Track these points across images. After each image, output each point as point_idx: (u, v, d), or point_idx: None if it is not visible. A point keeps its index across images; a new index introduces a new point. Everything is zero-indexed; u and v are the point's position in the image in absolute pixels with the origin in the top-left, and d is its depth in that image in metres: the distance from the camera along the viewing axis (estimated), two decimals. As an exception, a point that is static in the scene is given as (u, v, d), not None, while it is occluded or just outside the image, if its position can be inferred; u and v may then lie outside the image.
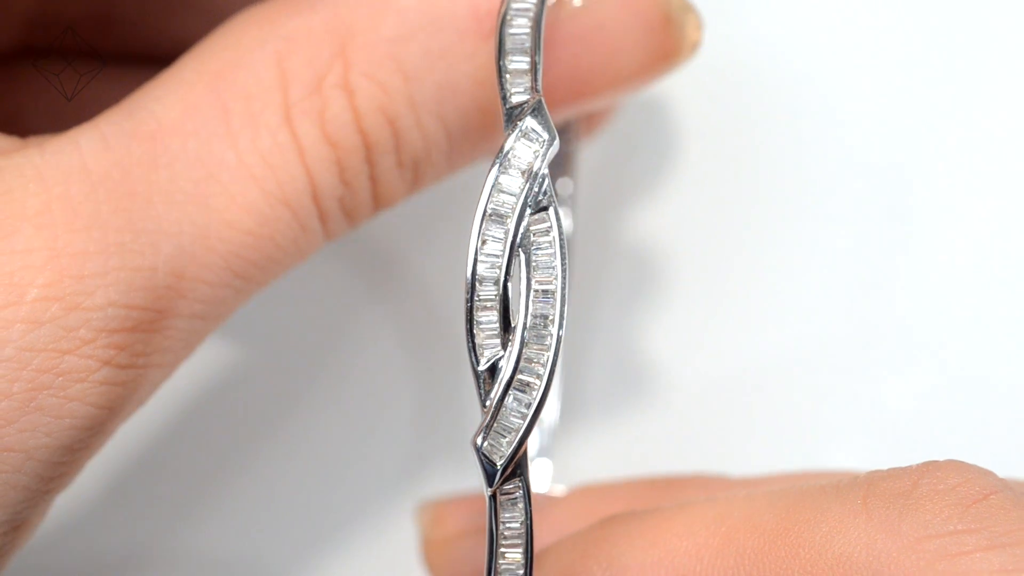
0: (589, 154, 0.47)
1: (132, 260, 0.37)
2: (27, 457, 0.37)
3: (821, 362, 0.49)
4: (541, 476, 0.45)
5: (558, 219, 0.35)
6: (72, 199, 0.37)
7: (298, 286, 0.49)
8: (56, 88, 0.44)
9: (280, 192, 0.39)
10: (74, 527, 0.49)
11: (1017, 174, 0.48)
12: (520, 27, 0.36)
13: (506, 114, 0.35)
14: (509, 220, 0.35)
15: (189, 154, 0.38)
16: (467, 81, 0.39)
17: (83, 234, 0.37)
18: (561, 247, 0.34)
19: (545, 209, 0.35)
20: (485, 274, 0.34)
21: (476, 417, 0.35)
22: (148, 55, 0.45)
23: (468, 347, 0.34)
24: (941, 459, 0.36)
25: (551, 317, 0.34)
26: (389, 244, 0.50)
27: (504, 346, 0.34)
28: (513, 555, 0.34)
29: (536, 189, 0.35)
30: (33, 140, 0.38)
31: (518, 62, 0.36)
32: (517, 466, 0.34)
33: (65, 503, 0.48)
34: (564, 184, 0.44)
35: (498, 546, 0.34)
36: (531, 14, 0.36)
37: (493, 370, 0.34)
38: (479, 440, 0.34)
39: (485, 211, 0.34)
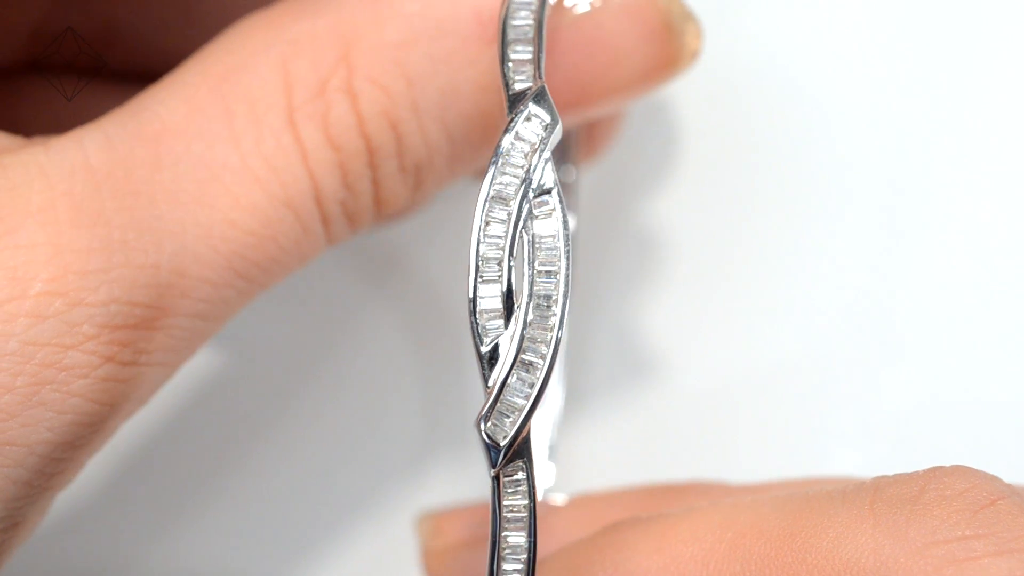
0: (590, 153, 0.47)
1: (135, 257, 0.37)
2: (29, 452, 0.37)
3: (822, 363, 0.49)
4: (544, 475, 0.45)
5: (561, 201, 0.35)
6: (76, 196, 0.37)
7: (300, 283, 0.49)
8: (56, 89, 0.45)
9: (283, 194, 0.39)
10: (70, 527, 0.49)
11: (1018, 176, 0.49)
12: (523, 19, 0.36)
13: (509, 101, 0.36)
14: (512, 202, 0.35)
15: (192, 155, 0.38)
16: (470, 86, 0.39)
17: (87, 231, 0.37)
18: (564, 228, 0.35)
19: (548, 191, 0.35)
20: (488, 254, 0.34)
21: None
22: (151, 70, 0.45)
23: (471, 328, 0.34)
24: (947, 464, 0.36)
25: (554, 297, 0.34)
26: (389, 242, 0.50)
27: (507, 327, 0.34)
28: (516, 539, 0.34)
29: (539, 171, 0.35)
30: (38, 139, 0.39)
31: (521, 52, 0.36)
32: (521, 447, 0.34)
33: (62, 503, 0.48)
34: (567, 171, 0.44)
35: (501, 529, 0.34)
36: (533, 7, 0.36)
37: (496, 352, 0.34)
38: (482, 421, 0.34)
39: (489, 192, 0.35)
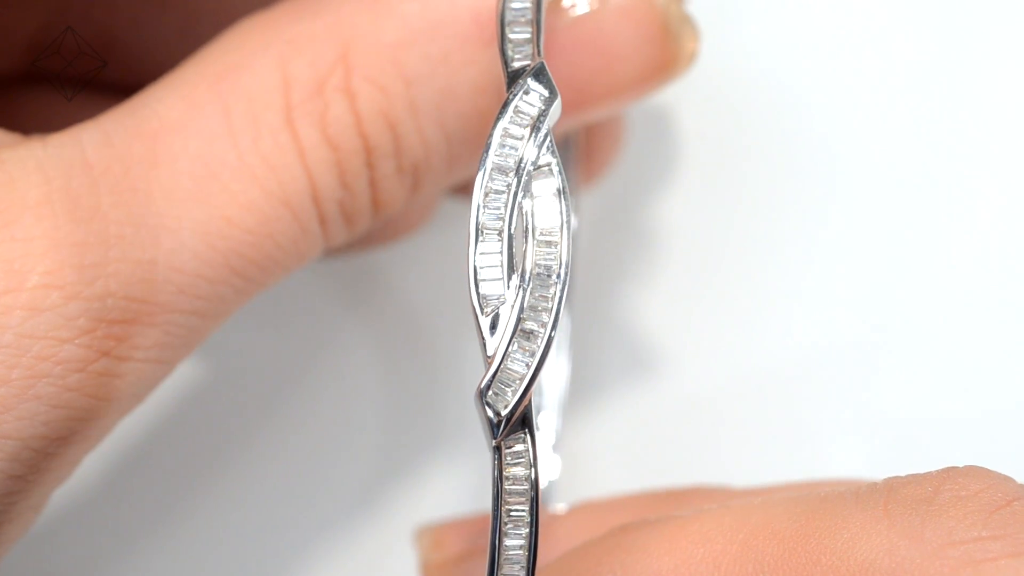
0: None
1: (132, 252, 0.37)
2: (23, 446, 0.37)
3: (823, 364, 0.49)
4: (549, 468, 0.45)
5: (561, 173, 0.35)
6: (73, 191, 0.37)
7: (300, 286, 0.49)
8: (56, 89, 0.45)
9: (281, 192, 0.39)
10: (66, 525, 0.49)
11: (1015, 182, 0.49)
12: (521, 3, 0.36)
13: (508, 77, 0.36)
14: (512, 173, 0.35)
15: (190, 152, 0.38)
16: (468, 87, 0.39)
17: (84, 225, 0.37)
18: (564, 200, 0.34)
19: (548, 164, 0.35)
20: (488, 224, 0.34)
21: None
22: (150, 81, 0.45)
23: (472, 297, 0.34)
24: (954, 465, 0.36)
25: (554, 267, 0.34)
26: (369, 255, 0.50)
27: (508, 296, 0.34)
28: (519, 511, 0.34)
29: (539, 144, 0.35)
30: (36, 135, 0.39)
31: (520, 32, 0.36)
32: (522, 417, 0.34)
33: (58, 501, 0.48)
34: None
35: (503, 502, 0.33)
36: (530, -6, 0.37)
37: (496, 321, 0.34)
38: (484, 391, 0.34)
39: (490, 164, 0.35)
